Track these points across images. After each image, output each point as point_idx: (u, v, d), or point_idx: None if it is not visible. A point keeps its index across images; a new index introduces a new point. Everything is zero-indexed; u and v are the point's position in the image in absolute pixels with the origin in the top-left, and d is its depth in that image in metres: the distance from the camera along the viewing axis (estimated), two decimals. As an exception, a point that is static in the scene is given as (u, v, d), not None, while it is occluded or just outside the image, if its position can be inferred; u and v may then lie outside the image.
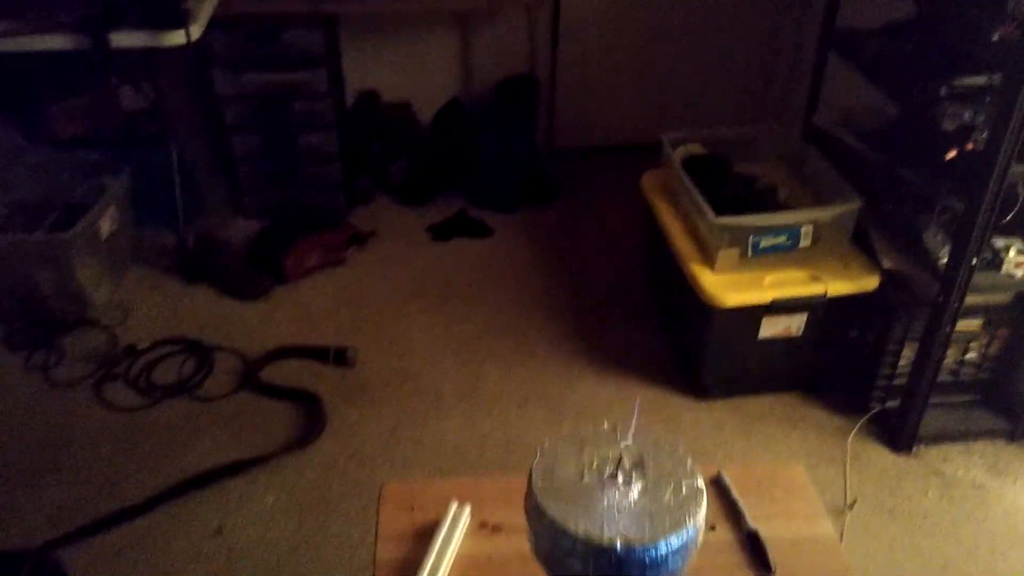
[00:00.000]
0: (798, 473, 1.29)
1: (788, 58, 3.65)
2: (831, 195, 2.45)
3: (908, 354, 2.36)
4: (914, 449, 2.40)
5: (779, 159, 2.75)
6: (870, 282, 2.34)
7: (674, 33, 3.61)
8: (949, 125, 2.04)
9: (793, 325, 2.42)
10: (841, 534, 2.16)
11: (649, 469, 0.79)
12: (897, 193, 2.39)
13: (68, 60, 2.64)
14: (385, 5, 3.12)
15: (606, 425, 0.84)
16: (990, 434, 2.44)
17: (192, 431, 2.46)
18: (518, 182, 3.42)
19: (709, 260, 2.39)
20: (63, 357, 2.71)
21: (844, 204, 2.37)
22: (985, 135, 1.96)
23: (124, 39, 2.45)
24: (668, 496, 0.77)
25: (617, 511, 0.75)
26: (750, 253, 2.36)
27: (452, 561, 1.15)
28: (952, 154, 2.02)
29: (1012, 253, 2.14)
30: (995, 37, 1.86)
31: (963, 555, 2.13)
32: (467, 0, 3.33)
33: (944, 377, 2.40)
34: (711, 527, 1.21)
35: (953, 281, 2.12)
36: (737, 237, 2.34)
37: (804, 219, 2.34)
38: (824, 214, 2.35)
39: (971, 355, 2.39)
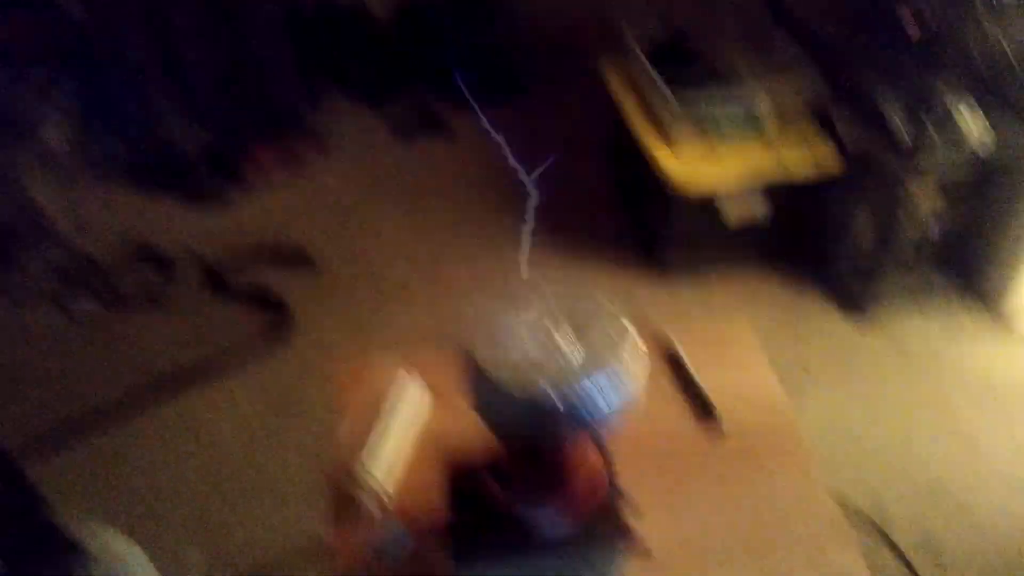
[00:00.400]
0: (743, 329, 1.32)
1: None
2: (794, 74, 2.42)
3: (867, 225, 2.38)
4: (872, 316, 2.45)
5: (743, 44, 2.70)
6: (831, 157, 2.34)
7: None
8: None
9: (755, 204, 2.43)
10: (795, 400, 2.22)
11: (576, 316, 0.80)
12: (858, 69, 2.36)
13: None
14: None
15: (533, 279, 0.85)
16: (948, 300, 2.49)
17: (158, 338, 2.47)
18: (482, 78, 3.35)
19: (670, 142, 2.37)
20: (25, 272, 2.68)
21: (803, 79, 2.34)
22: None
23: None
24: (595, 338, 0.78)
25: (546, 356, 0.76)
26: (711, 133, 2.34)
27: (408, 431, 1.18)
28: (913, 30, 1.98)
29: (970, 119, 2.13)
30: None
31: (918, 412, 2.21)
32: None
33: (902, 245, 2.43)
34: (657, 380, 1.24)
35: (913, 154, 2.13)
36: (698, 118, 2.32)
37: (762, 95, 2.32)
38: (783, 89, 2.33)
39: (929, 223, 2.41)
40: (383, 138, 3.23)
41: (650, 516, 1.04)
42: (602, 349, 0.77)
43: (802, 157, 2.34)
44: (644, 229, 2.71)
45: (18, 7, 3.02)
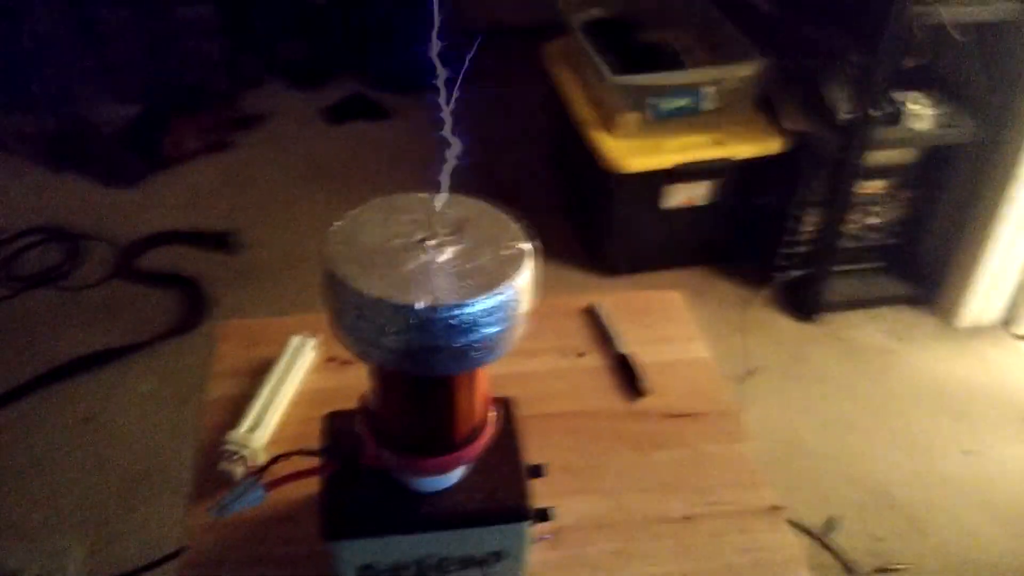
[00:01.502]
0: (674, 299, 1.20)
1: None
2: (737, 57, 2.33)
3: (813, 219, 2.30)
4: (818, 317, 2.37)
5: (687, 27, 2.62)
6: (774, 144, 2.26)
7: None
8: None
9: (697, 193, 2.33)
10: (740, 403, 2.11)
11: (468, 233, 0.67)
12: (802, 53, 2.29)
13: None
14: None
15: (423, 193, 0.72)
16: (894, 300, 2.41)
17: (60, 322, 2.28)
18: (419, 62, 3.21)
19: (610, 125, 2.27)
20: (-85, 250, 2.47)
21: (746, 63, 2.26)
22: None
23: None
24: (486, 259, 0.65)
25: (424, 274, 0.63)
26: (652, 116, 2.24)
27: (292, 395, 1.03)
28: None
29: (913, 105, 2.07)
30: None
31: (865, 416, 2.12)
32: None
33: (848, 243, 2.36)
34: (580, 354, 1.11)
35: (853, 134, 2.05)
36: (638, 100, 2.22)
37: (705, 78, 2.23)
38: (726, 73, 2.24)
39: (874, 219, 2.34)
40: (315, 121, 3.08)
41: (568, 492, 0.92)
42: (493, 267, 0.64)
43: (745, 142, 2.25)
44: (586, 222, 2.60)
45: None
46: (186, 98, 2.91)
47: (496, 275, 0.63)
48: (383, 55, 3.21)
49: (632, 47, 2.48)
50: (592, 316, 1.16)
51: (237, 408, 0.99)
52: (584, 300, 1.18)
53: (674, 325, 1.16)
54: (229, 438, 0.93)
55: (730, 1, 2.53)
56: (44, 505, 1.82)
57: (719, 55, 2.39)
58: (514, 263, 0.65)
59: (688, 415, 1.03)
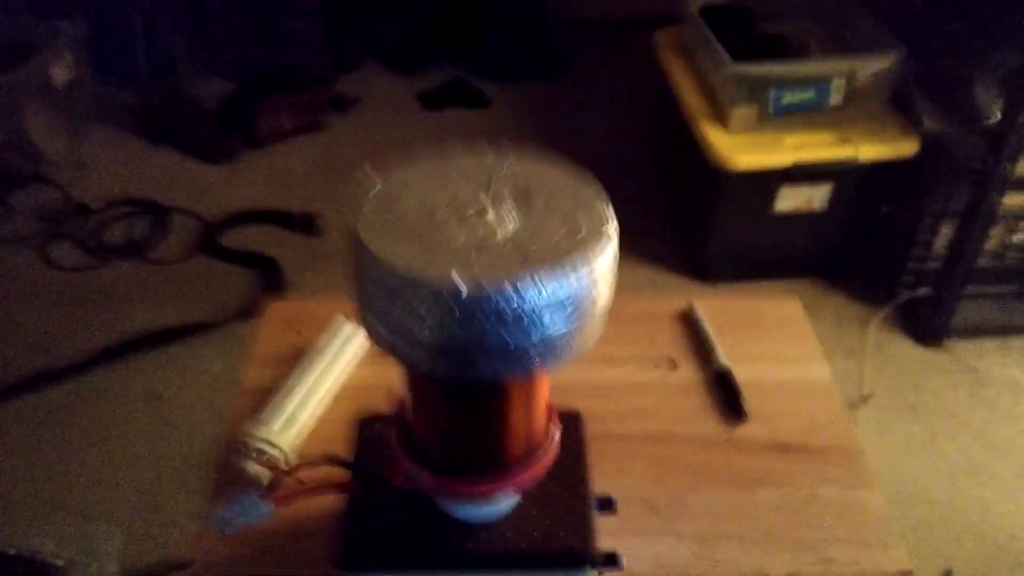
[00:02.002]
0: (792, 309, 1.02)
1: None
2: (870, 47, 2.10)
3: (946, 233, 2.05)
4: (944, 342, 2.11)
5: (816, 17, 2.39)
6: (908, 146, 2.02)
7: None
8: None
9: (816, 197, 2.11)
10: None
11: (536, 204, 0.52)
12: (947, 48, 2.04)
13: None
14: None
15: (488, 150, 0.57)
16: (1032, 327, 2.14)
17: (140, 295, 2.24)
18: (523, 51, 3.09)
19: (723, 118, 2.08)
20: (12, 213, 2.48)
21: (883, 55, 2.03)
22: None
23: None
24: (557, 237, 0.50)
25: (475, 250, 0.48)
26: (771, 110, 2.04)
27: (336, 389, 0.90)
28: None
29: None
30: None
31: (993, 457, 1.86)
32: None
33: (985, 262, 2.10)
34: (671, 365, 0.94)
35: (1004, 140, 1.81)
36: (757, 91, 2.02)
37: (836, 70, 2.01)
38: (857, 64, 2.02)
39: (1018, 237, 2.07)
40: (411, 106, 2.98)
41: (644, 533, 0.76)
42: (564, 247, 0.49)
43: (874, 143, 2.02)
44: (687, 221, 2.41)
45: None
46: (283, 78, 2.86)
47: (567, 257, 0.48)
48: (484, 42, 3.09)
49: (753, 37, 2.28)
50: (689, 323, 0.99)
51: (262, 398, 0.87)
52: (681, 303, 1.01)
53: (790, 340, 0.98)
54: (256, 433, 0.81)
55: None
56: (96, 484, 1.77)
57: (850, 47, 2.17)
58: (591, 244, 0.49)
59: (800, 449, 0.85)
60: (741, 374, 0.91)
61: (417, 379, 0.55)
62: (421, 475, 0.58)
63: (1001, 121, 1.83)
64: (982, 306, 2.15)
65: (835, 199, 2.12)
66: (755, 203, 2.12)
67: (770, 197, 2.10)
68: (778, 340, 0.98)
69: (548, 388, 0.59)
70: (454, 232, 0.50)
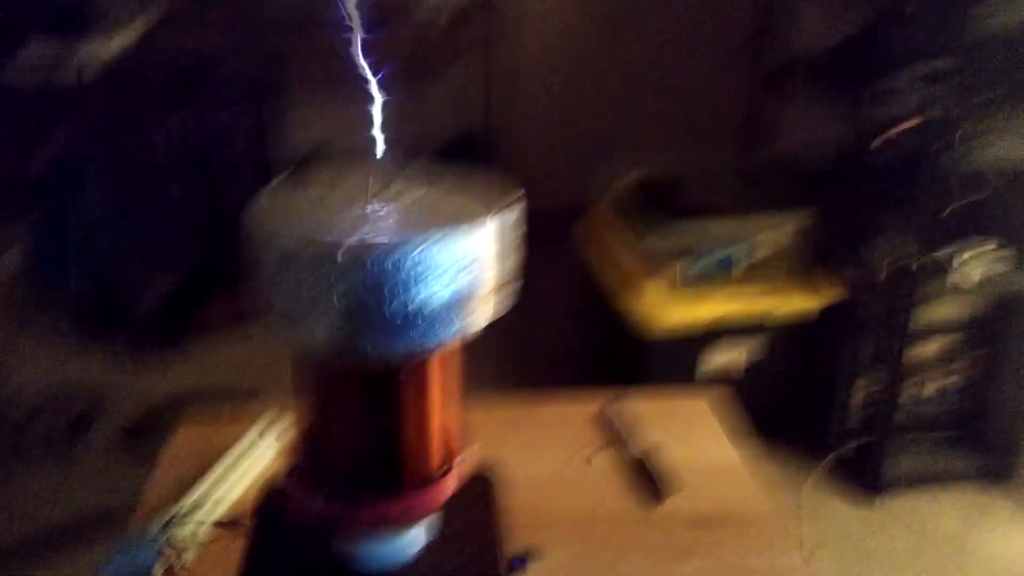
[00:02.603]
0: (700, 405, 1.04)
1: (739, 97, 3.51)
2: (773, 214, 2.26)
3: (865, 385, 2.12)
4: (880, 496, 2.11)
5: (726, 194, 2.58)
6: (817, 302, 2.13)
7: (618, 89, 3.53)
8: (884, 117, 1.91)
9: (738, 359, 2.18)
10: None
11: (437, 186, 0.56)
12: (844, 209, 2.22)
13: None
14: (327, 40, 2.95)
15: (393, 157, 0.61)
16: (966, 476, 2.15)
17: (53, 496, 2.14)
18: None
19: (642, 288, 2.18)
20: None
21: (785, 218, 2.18)
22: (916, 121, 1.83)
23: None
24: (447, 208, 0.53)
25: (363, 219, 0.51)
26: (686, 276, 2.15)
27: (248, 482, 0.87)
28: (883, 139, 1.87)
29: (965, 254, 1.95)
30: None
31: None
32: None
33: (911, 411, 2.15)
34: (591, 454, 0.94)
35: (899, 287, 1.92)
36: (671, 259, 2.14)
37: (742, 235, 2.15)
38: (763, 226, 2.16)
39: (937, 383, 2.15)
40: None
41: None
42: (451, 214, 0.52)
43: (786, 300, 2.13)
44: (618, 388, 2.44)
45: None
46: (228, 268, 2.91)
47: (451, 221, 0.51)
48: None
49: (665, 210, 2.43)
50: (605, 420, 1.00)
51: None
52: (597, 404, 1.02)
53: (699, 430, 0.99)
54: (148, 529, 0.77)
55: (770, 162, 2.52)
56: None
57: (758, 213, 2.33)
58: (480, 212, 0.52)
59: (722, 522, 0.84)
60: (656, 461, 0.91)
61: (313, 378, 0.55)
62: (315, 500, 0.57)
63: (895, 269, 1.95)
64: (915, 455, 2.17)
65: (756, 360, 2.19)
66: (681, 368, 2.17)
67: (693, 361, 2.16)
68: (689, 430, 0.99)
69: (445, 396, 0.58)
70: (345, 209, 0.53)
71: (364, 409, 0.54)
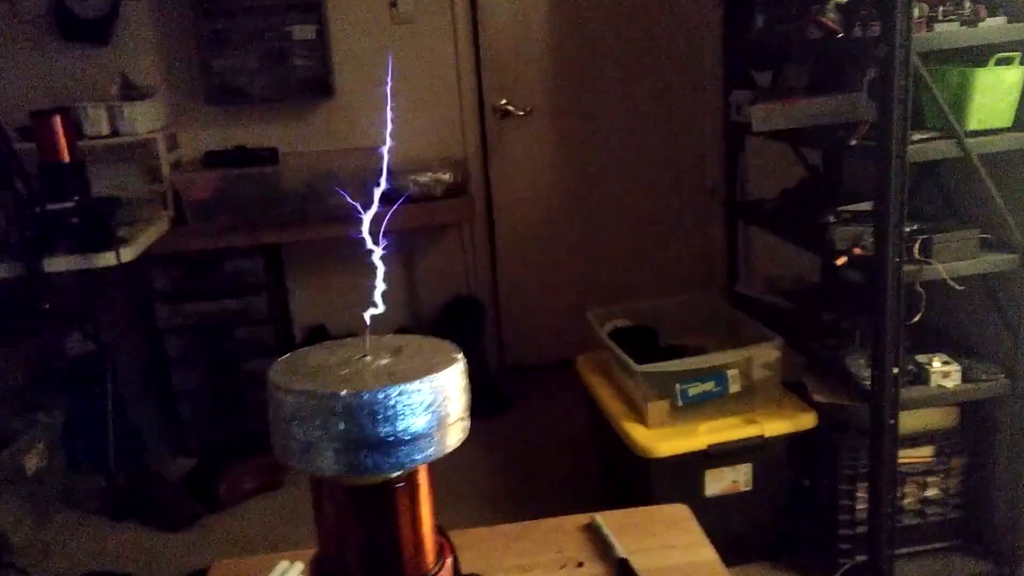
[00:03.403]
0: (680, 511, 1.16)
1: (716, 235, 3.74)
2: (756, 342, 2.42)
3: (863, 496, 2.20)
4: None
5: (709, 330, 2.76)
6: (806, 420, 2.25)
7: (602, 253, 3.80)
8: (840, 244, 2.09)
9: (740, 478, 2.28)
10: None
11: (406, 352, 0.73)
12: (822, 335, 2.37)
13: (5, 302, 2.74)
14: (321, 231, 3.22)
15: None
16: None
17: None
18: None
19: (641, 415, 2.31)
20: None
21: (768, 346, 2.34)
22: (871, 241, 2.01)
23: (57, 263, 2.56)
24: (417, 363, 0.70)
25: (356, 375, 0.68)
26: (681, 402, 2.29)
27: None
28: (842, 260, 2.04)
29: (936, 364, 2.08)
30: (852, 142, 1.99)
31: None
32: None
33: (911, 520, 2.23)
34: (578, 564, 1.06)
35: (879, 398, 2.04)
36: (664, 387, 2.28)
37: (729, 362, 2.30)
38: (747, 353, 2.32)
39: (932, 491, 2.23)
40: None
41: None
42: (420, 366, 0.69)
43: (777, 420, 2.26)
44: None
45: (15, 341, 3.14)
46: (245, 442, 3.07)
47: (421, 372, 0.68)
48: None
49: (656, 348, 2.60)
50: (592, 531, 1.12)
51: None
52: (585, 517, 1.15)
53: (680, 534, 1.12)
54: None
55: (749, 304, 2.70)
56: None
57: (739, 345, 2.49)
58: (441, 364, 0.69)
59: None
60: (639, 562, 1.03)
61: (326, 495, 0.71)
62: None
63: (873, 381, 2.08)
64: (921, 565, 2.22)
65: (758, 478, 2.28)
66: (685, 489, 2.26)
67: (698, 482, 2.26)
68: (669, 534, 1.11)
69: (434, 512, 0.73)
70: (342, 368, 0.70)
71: (368, 515, 0.70)
